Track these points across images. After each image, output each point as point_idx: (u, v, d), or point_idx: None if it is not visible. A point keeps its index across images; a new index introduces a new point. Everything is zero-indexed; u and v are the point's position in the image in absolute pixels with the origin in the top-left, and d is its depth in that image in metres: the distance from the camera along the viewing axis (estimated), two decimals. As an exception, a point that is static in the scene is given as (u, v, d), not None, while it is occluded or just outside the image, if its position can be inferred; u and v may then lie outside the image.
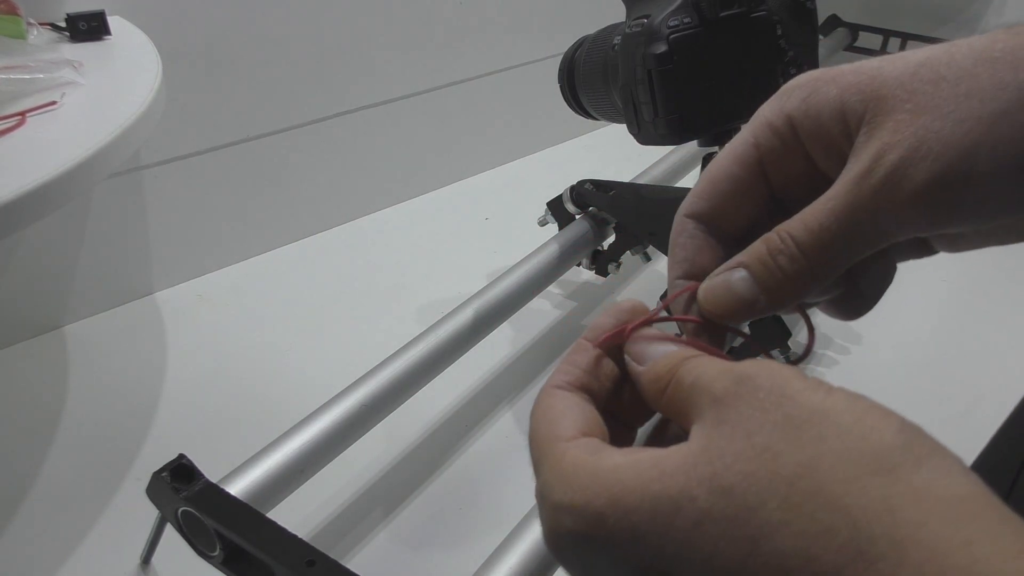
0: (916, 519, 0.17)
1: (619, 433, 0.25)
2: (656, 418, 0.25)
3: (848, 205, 0.23)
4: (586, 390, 0.24)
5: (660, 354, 0.24)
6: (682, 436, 0.21)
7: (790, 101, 0.25)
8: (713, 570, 0.18)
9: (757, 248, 0.25)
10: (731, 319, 0.25)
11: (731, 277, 0.25)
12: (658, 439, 0.25)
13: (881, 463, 0.18)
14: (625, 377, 0.25)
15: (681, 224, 0.27)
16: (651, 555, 0.19)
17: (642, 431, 0.26)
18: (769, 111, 0.25)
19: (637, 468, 0.20)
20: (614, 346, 0.25)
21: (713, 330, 0.26)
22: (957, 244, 0.26)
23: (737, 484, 0.19)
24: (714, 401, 0.20)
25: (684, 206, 0.27)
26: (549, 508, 0.21)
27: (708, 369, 0.22)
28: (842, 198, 0.23)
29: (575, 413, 0.23)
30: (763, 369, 0.20)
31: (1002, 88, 0.21)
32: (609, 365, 0.25)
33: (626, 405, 0.25)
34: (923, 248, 0.27)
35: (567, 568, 0.22)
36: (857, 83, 0.23)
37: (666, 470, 0.20)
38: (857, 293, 0.26)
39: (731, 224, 0.26)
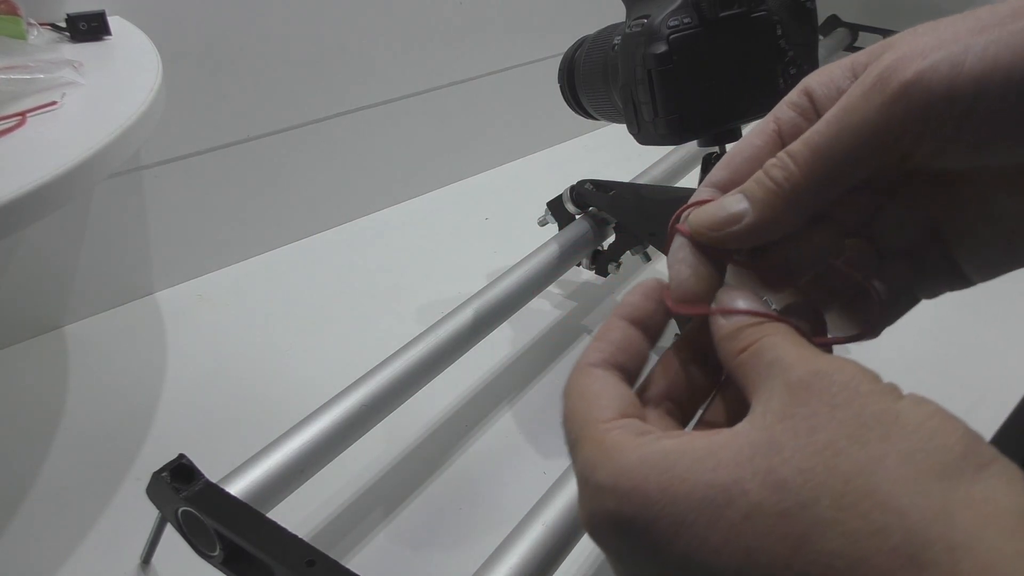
0: (973, 527, 0.17)
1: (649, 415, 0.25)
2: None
3: (840, 110, 0.22)
4: (620, 368, 0.24)
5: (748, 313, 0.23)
6: (735, 409, 0.21)
7: (804, 80, 0.25)
8: (756, 565, 0.18)
9: (756, 172, 0.24)
10: (719, 235, 0.24)
11: (725, 197, 0.24)
12: (708, 416, 0.25)
13: (943, 468, 0.18)
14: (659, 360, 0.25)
15: (698, 192, 0.27)
16: (695, 545, 0.19)
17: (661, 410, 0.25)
18: (788, 95, 0.26)
19: (691, 456, 0.20)
20: (647, 320, 0.25)
21: (713, 256, 0.25)
22: (988, 264, 0.26)
23: (792, 479, 0.18)
24: (787, 388, 0.20)
25: (706, 179, 0.27)
26: (592, 487, 0.21)
27: (790, 352, 0.21)
28: (836, 108, 0.23)
29: (612, 393, 0.23)
30: (841, 366, 0.20)
31: (996, 12, 0.21)
32: (643, 343, 0.25)
33: (658, 387, 0.25)
34: (956, 276, 0.26)
35: (603, 548, 0.22)
36: (868, 49, 0.24)
37: (721, 460, 0.19)
38: (864, 317, 0.26)
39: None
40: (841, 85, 0.24)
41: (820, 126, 0.23)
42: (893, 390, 0.20)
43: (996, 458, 0.18)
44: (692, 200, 0.26)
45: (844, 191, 0.23)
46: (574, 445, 0.22)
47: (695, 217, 0.25)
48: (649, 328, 0.25)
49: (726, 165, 0.26)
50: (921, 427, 0.18)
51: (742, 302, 0.23)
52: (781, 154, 0.23)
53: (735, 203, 0.24)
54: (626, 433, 0.21)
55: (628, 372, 0.24)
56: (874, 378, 0.20)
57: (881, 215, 0.26)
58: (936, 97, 0.21)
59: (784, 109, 0.25)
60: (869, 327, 0.26)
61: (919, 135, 0.21)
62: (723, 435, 0.20)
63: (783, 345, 0.22)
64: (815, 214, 0.24)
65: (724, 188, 0.26)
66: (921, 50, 0.21)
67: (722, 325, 0.23)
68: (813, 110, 0.24)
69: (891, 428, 0.18)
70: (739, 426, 0.20)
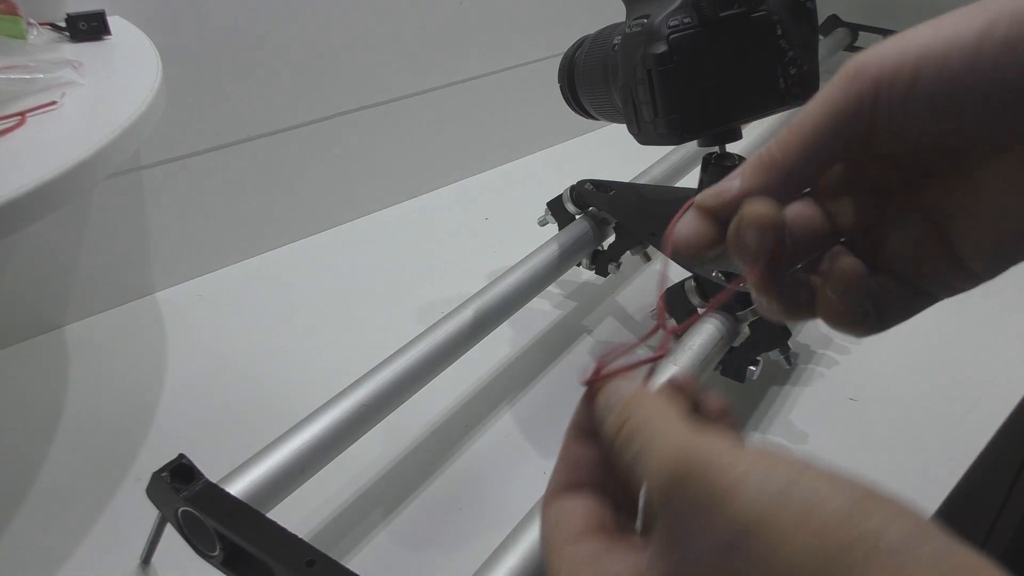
0: None
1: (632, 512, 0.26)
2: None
3: (816, 96, 0.25)
4: (576, 485, 0.25)
5: (614, 403, 0.24)
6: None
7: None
8: None
9: None
10: (714, 202, 0.27)
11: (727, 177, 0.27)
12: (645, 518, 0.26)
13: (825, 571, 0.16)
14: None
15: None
16: None
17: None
18: None
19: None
20: (589, 427, 0.25)
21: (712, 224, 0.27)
22: (997, 258, 0.26)
23: None
24: (658, 501, 0.20)
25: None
26: None
27: (652, 445, 0.21)
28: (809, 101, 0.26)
29: (577, 513, 0.24)
30: (694, 460, 0.19)
31: (983, 6, 0.23)
32: (591, 453, 0.25)
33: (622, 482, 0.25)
34: (963, 273, 0.27)
35: None
36: None
37: None
38: (867, 311, 0.27)
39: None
40: None
41: (802, 111, 0.26)
42: (758, 469, 0.18)
43: (890, 525, 0.17)
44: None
45: (824, 164, 0.26)
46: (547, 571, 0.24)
47: (701, 195, 0.27)
48: (596, 433, 0.26)
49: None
50: (797, 529, 0.17)
51: (616, 389, 0.25)
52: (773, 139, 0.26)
53: (730, 179, 0.27)
54: (580, 559, 0.23)
55: (591, 486, 0.25)
56: (733, 462, 0.19)
57: (885, 215, 0.27)
58: (885, 76, 0.24)
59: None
60: (865, 321, 0.27)
61: (872, 110, 0.24)
62: (623, 553, 0.22)
63: (642, 431, 0.22)
64: (801, 188, 0.27)
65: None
66: (892, 41, 0.24)
67: (603, 431, 0.25)
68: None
69: (760, 543, 0.17)
70: (648, 553, 0.21)
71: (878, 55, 0.24)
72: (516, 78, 1.12)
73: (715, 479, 0.18)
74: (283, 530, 0.44)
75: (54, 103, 0.53)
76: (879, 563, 0.16)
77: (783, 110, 0.56)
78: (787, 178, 0.26)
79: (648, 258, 0.81)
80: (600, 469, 0.25)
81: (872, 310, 0.26)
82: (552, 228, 0.82)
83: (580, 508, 0.24)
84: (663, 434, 0.21)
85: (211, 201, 0.88)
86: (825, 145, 0.25)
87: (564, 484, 0.25)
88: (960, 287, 0.27)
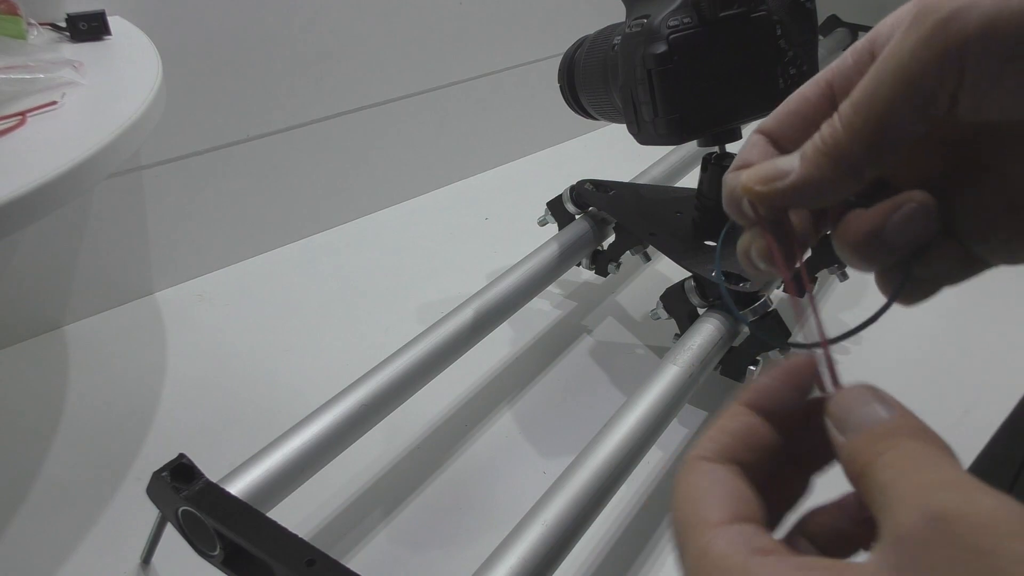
0: None
1: (777, 510, 0.22)
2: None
3: (880, 59, 0.20)
4: (738, 462, 0.21)
5: (865, 422, 0.19)
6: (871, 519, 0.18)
7: (876, 26, 0.23)
8: None
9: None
10: (766, 190, 0.23)
11: (783, 156, 0.23)
12: (838, 524, 0.21)
13: None
14: (787, 447, 0.21)
15: (749, 138, 0.26)
16: None
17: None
18: (856, 41, 0.24)
19: None
20: (779, 410, 0.21)
21: (772, 223, 0.24)
22: (1007, 247, 0.23)
23: None
24: (898, 539, 0.16)
25: (757, 126, 0.26)
26: None
27: (906, 478, 0.17)
28: (880, 57, 0.21)
29: (723, 491, 0.20)
30: (971, 507, 0.16)
31: None
32: (767, 433, 0.21)
33: (787, 480, 0.21)
34: (970, 259, 0.24)
35: None
36: None
37: None
38: (911, 274, 0.24)
39: (796, 142, 0.24)
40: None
41: (864, 79, 0.21)
42: None
43: None
44: (742, 148, 0.26)
45: (901, 149, 0.21)
46: (679, 552, 0.19)
47: (747, 172, 0.24)
48: (783, 420, 0.21)
49: (775, 114, 0.25)
50: None
51: (874, 404, 0.20)
52: (833, 115, 0.22)
53: (787, 161, 0.23)
54: (736, 545, 0.18)
55: (751, 468, 0.21)
56: (1007, 516, 0.16)
57: (950, 168, 0.24)
58: (974, 35, 0.19)
59: (844, 57, 0.24)
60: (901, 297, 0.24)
61: (958, 78, 0.19)
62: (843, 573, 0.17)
63: (905, 462, 0.18)
64: (868, 176, 0.22)
65: (770, 135, 0.25)
66: None
67: (840, 443, 0.20)
68: (871, 59, 0.23)
69: None
70: (863, 568, 0.17)
71: (959, 3, 0.19)
72: (516, 78, 1.12)
73: (997, 538, 0.15)
74: (283, 530, 0.44)
75: (54, 103, 0.53)
76: None
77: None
78: (853, 168, 0.21)
79: (648, 258, 0.81)
80: (765, 451, 0.21)
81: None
82: (552, 228, 0.82)
83: (736, 485, 0.20)
84: (931, 470, 0.17)
85: (211, 201, 0.88)
86: (901, 124, 0.20)
87: (716, 455, 0.21)
88: (968, 275, 0.24)
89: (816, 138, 0.22)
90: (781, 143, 0.25)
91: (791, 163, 0.22)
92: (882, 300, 0.25)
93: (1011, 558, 0.15)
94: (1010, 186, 0.22)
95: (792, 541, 0.21)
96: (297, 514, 0.59)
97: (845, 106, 0.21)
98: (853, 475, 0.19)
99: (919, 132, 0.21)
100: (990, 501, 0.16)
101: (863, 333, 0.26)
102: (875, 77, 0.20)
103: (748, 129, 0.29)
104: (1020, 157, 0.22)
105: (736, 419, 0.21)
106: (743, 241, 0.25)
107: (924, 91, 0.20)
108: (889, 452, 0.18)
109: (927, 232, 0.22)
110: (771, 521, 0.22)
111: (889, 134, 0.21)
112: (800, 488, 0.22)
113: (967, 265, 0.24)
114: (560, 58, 0.71)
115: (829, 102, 0.24)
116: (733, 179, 0.25)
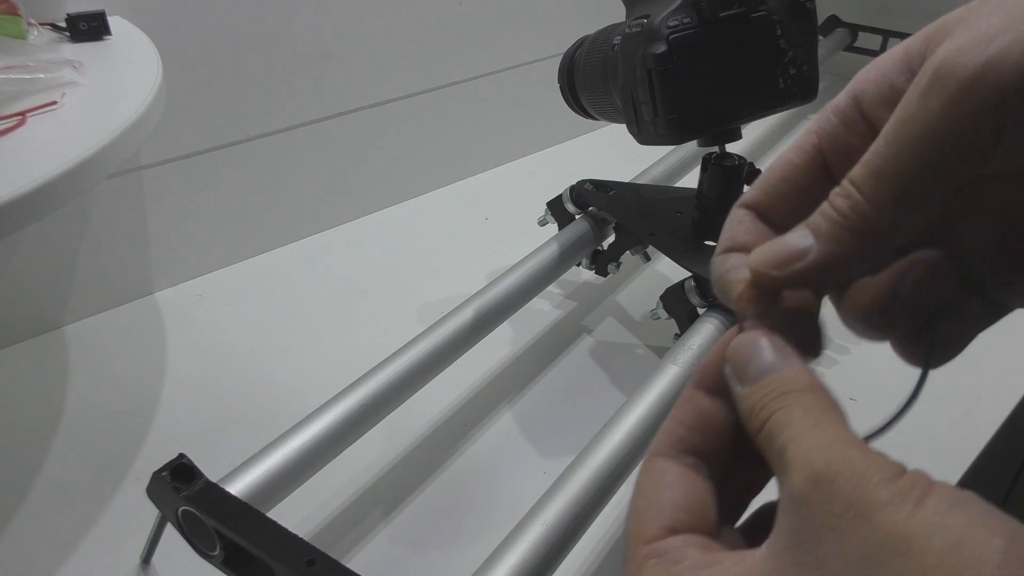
0: None
1: (744, 495, 0.22)
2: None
3: (897, 122, 0.19)
4: (694, 452, 0.21)
5: (760, 373, 0.20)
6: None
7: (855, 78, 0.22)
8: None
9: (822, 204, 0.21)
10: (782, 275, 0.21)
11: (787, 234, 0.21)
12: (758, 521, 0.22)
13: None
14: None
15: (732, 214, 0.24)
16: None
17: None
18: (835, 98, 0.23)
19: None
20: (727, 386, 0.21)
21: (775, 308, 0.22)
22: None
23: None
24: (791, 502, 0.17)
25: (739, 199, 0.24)
26: None
27: (799, 439, 0.18)
28: (892, 119, 0.19)
29: (668, 497, 0.20)
30: (849, 467, 0.17)
31: None
32: (719, 414, 0.21)
33: (753, 461, 0.21)
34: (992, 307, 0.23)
35: None
36: (922, 32, 0.20)
37: None
38: (937, 338, 0.23)
39: (787, 215, 0.23)
40: (895, 83, 0.21)
41: (879, 145, 0.19)
42: (908, 496, 0.16)
43: None
44: (727, 226, 0.23)
45: (929, 213, 0.19)
46: (623, 563, 0.20)
47: (755, 257, 0.21)
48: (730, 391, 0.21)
49: (760, 185, 0.23)
50: (946, 559, 0.15)
51: (767, 352, 0.20)
52: (844, 182, 0.20)
53: (799, 239, 0.21)
54: (661, 564, 0.19)
55: (709, 456, 0.21)
56: (885, 479, 0.17)
57: (962, 212, 0.23)
58: (1010, 88, 0.17)
59: (827, 118, 0.22)
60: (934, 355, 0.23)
61: (996, 135, 0.18)
62: (747, 563, 0.18)
63: (794, 424, 0.18)
64: (894, 246, 0.21)
65: (760, 210, 0.23)
66: (984, 34, 0.18)
67: (738, 395, 0.20)
68: (860, 118, 0.22)
69: (906, 563, 0.15)
70: (760, 552, 0.18)
71: (987, 58, 0.18)
72: (516, 78, 1.12)
73: (869, 489, 0.16)
74: (283, 530, 0.44)
75: (54, 103, 0.53)
76: None
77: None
78: (882, 239, 0.20)
79: (648, 258, 0.81)
80: (723, 433, 0.21)
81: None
82: (552, 228, 0.82)
83: (682, 487, 0.20)
84: (816, 431, 0.18)
85: (211, 201, 0.88)
86: (935, 188, 0.19)
87: (670, 448, 0.21)
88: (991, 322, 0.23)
89: (829, 212, 0.20)
90: (770, 216, 0.23)
91: (804, 241, 0.20)
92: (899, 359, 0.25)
93: (878, 504, 0.16)
94: (1016, 221, 0.22)
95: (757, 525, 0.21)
96: (297, 514, 0.59)
97: (863, 175, 0.20)
98: (752, 433, 0.19)
99: (947, 194, 0.19)
100: (861, 456, 0.17)
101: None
102: (895, 143, 0.19)
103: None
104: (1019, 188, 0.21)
105: (688, 405, 0.22)
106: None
107: (959, 153, 0.18)
108: (781, 410, 0.19)
109: (945, 291, 0.21)
110: (731, 512, 0.22)
111: (919, 201, 0.19)
112: (766, 469, 0.21)
113: (989, 313, 0.23)
114: (560, 58, 0.71)
115: (821, 169, 0.22)
116: (725, 264, 0.23)
